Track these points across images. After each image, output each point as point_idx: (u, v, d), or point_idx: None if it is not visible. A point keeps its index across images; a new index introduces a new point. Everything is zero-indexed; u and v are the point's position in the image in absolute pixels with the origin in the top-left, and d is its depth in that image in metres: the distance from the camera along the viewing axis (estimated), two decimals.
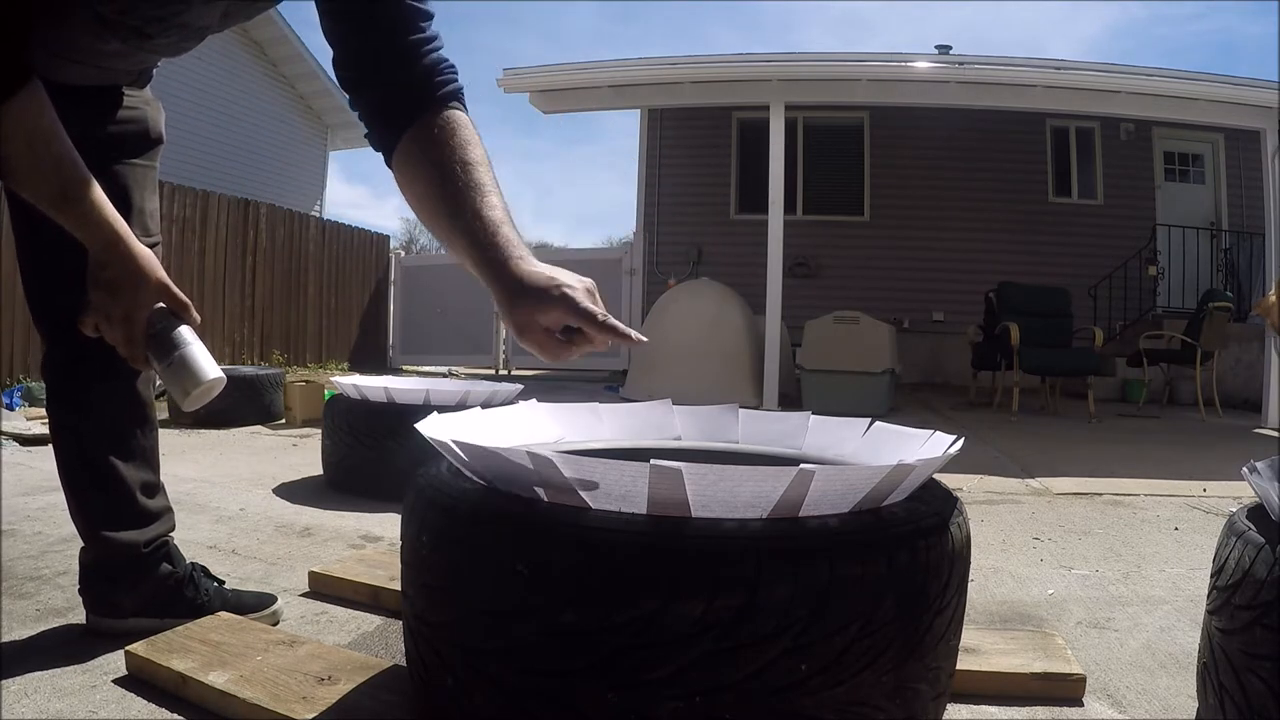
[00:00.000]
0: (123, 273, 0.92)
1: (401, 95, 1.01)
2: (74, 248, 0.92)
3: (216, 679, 1.09)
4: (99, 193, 0.91)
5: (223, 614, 1.33)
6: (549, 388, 6.94)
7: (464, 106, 1.05)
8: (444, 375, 7.46)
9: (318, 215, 10.54)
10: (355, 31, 1.01)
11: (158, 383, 1.30)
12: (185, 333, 0.95)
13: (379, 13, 1.00)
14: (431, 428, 1.00)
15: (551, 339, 0.88)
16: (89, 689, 1.15)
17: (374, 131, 1.04)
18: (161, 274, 0.95)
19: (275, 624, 1.43)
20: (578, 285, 0.88)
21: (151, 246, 1.18)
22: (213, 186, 7.92)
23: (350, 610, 1.54)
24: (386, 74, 1.01)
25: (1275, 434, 5.35)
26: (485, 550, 0.81)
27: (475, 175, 0.96)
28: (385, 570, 1.61)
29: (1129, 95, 6.27)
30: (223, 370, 0.98)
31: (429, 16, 1.04)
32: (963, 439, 1.06)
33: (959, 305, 8.78)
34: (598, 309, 0.86)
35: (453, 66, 1.05)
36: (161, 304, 0.95)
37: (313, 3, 1.02)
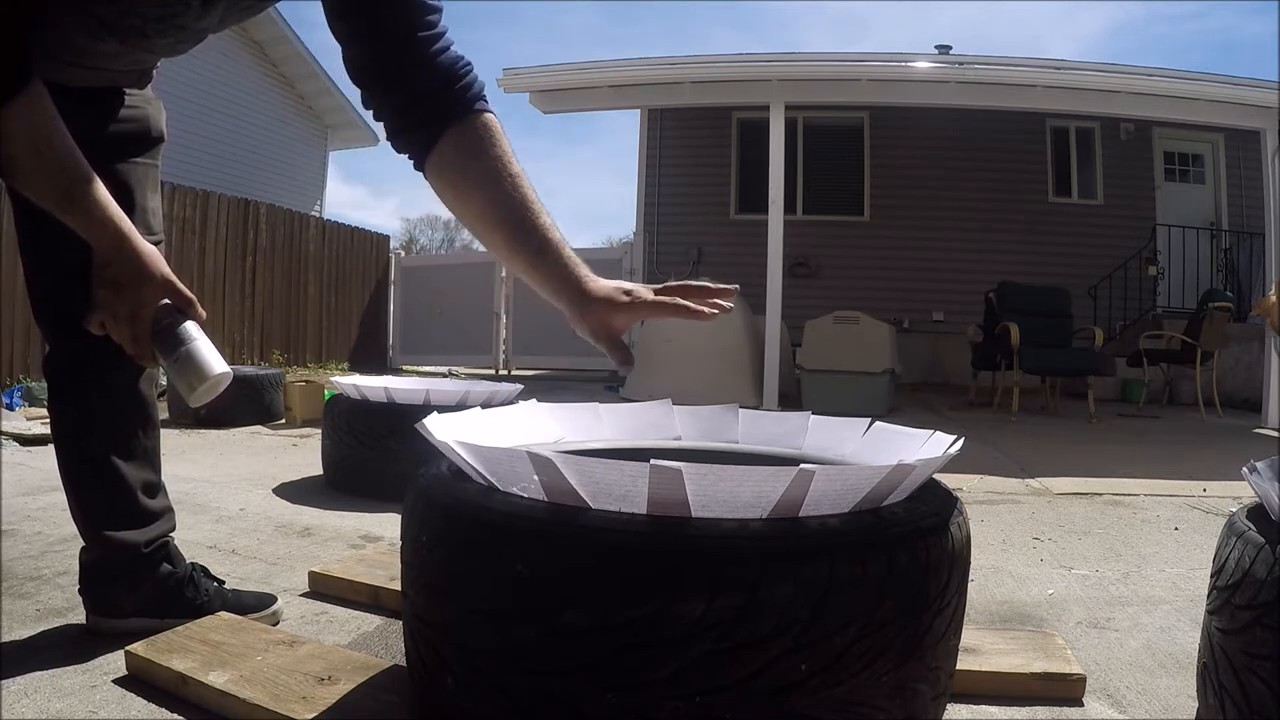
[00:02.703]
0: (127, 270, 0.92)
1: (429, 100, 1.02)
2: (77, 246, 0.92)
3: (216, 679, 1.09)
4: (103, 191, 0.91)
5: (223, 614, 1.33)
6: (549, 388, 6.94)
7: (489, 105, 1.06)
8: (444, 375, 7.46)
9: (318, 215, 10.54)
10: (362, 28, 1.01)
11: (162, 380, 1.30)
12: (191, 328, 0.95)
13: (384, 8, 1.00)
14: (432, 428, 1.00)
15: (620, 344, 1.01)
16: (89, 689, 1.15)
17: (402, 136, 1.05)
18: (166, 271, 0.95)
19: (275, 624, 1.43)
20: (641, 289, 1.00)
21: (154, 245, 1.19)
22: (213, 186, 7.92)
23: (350, 610, 1.54)
24: (404, 75, 1.01)
25: (1275, 434, 5.35)
26: (485, 550, 0.81)
27: (526, 191, 1.02)
28: (385, 570, 1.61)
29: (1129, 95, 6.27)
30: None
31: (437, 10, 1.03)
32: (963, 439, 1.06)
33: (959, 305, 8.78)
34: (654, 296, 0.99)
35: (469, 63, 1.06)
36: (167, 300, 0.95)
37: (312, 1, 1.02)
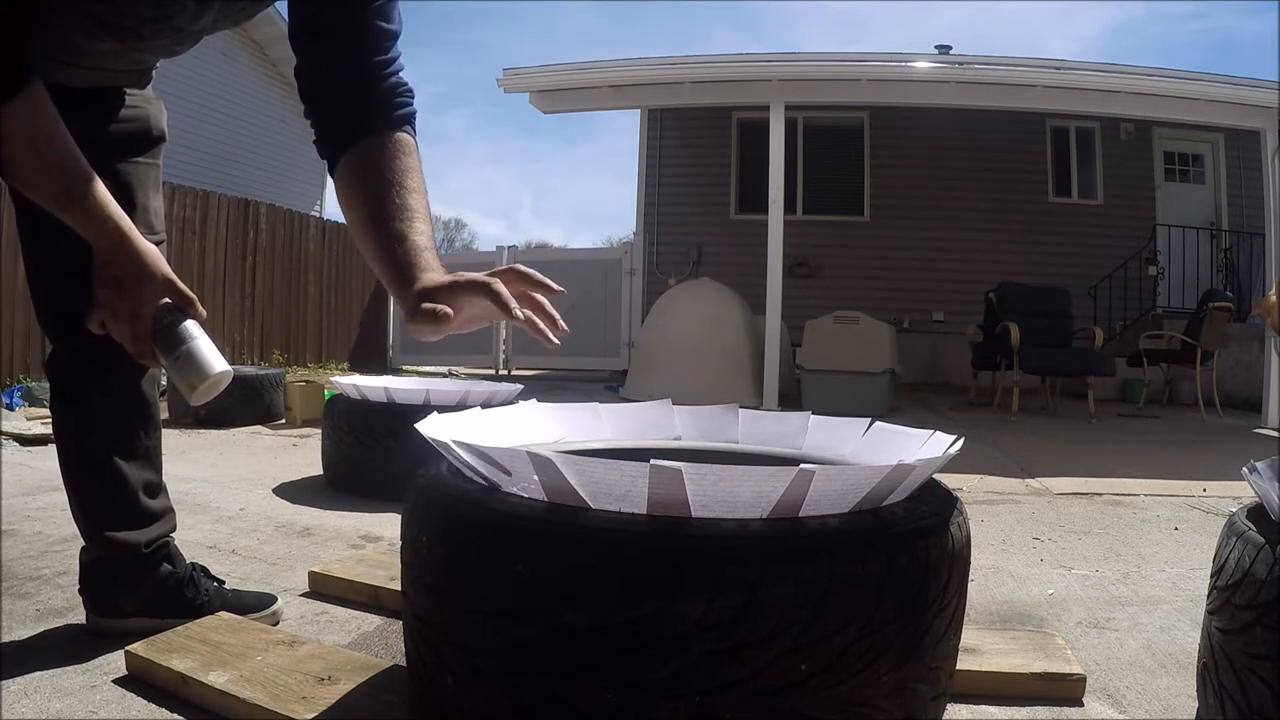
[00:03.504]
0: (128, 269, 0.92)
1: (355, 113, 1.04)
2: (77, 245, 0.93)
3: (216, 679, 1.09)
4: (103, 190, 0.91)
5: (223, 614, 1.33)
6: (549, 388, 6.94)
7: (414, 131, 1.08)
8: (444, 375, 7.46)
9: (318, 215, 10.53)
10: (324, 49, 1.04)
11: (163, 381, 1.30)
12: (191, 327, 0.95)
13: (350, 32, 1.03)
14: (431, 428, 1.00)
15: (432, 315, 0.88)
16: (89, 689, 1.15)
17: (322, 141, 1.07)
18: (166, 269, 0.95)
19: (275, 624, 1.43)
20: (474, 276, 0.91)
21: (156, 245, 1.19)
22: (213, 186, 7.92)
23: (350, 610, 1.54)
24: (345, 92, 1.04)
25: (1275, 434, 5.35)
26: (485, 550, 0.81)
27: (409, 200, 1.00)
28: (385, 570, 1.61)
29: (1129, 95, 6.27)
30: None
31: (395, 36, 1.06)
32: (963, 439, 1.06)
33: (959, 305, 8.78)
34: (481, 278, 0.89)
35: (410, 90, 1.08)
36: (167, 299, 0.95)
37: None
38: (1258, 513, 1.00)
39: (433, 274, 0.94)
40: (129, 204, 1.22)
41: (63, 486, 1.30)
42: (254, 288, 8.03)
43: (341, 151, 1.04)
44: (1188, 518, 2.60)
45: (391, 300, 9.98)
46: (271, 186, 10.94)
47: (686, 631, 0.73)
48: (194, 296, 0.97)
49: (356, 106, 1.04)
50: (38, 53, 0.88)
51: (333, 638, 1.40)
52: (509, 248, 9.67)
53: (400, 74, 1.07)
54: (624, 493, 0.80)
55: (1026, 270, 8.36)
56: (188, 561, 1.40)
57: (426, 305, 0.87)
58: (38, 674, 1.18)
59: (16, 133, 0.84)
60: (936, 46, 9.25)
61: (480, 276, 0.90)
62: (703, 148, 9.88)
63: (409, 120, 1.07)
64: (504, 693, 0.80)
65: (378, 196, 1.00)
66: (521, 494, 0.87)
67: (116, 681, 1.17)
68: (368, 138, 1.03)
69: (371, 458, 2.63)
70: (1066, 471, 3.44)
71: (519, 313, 0.87)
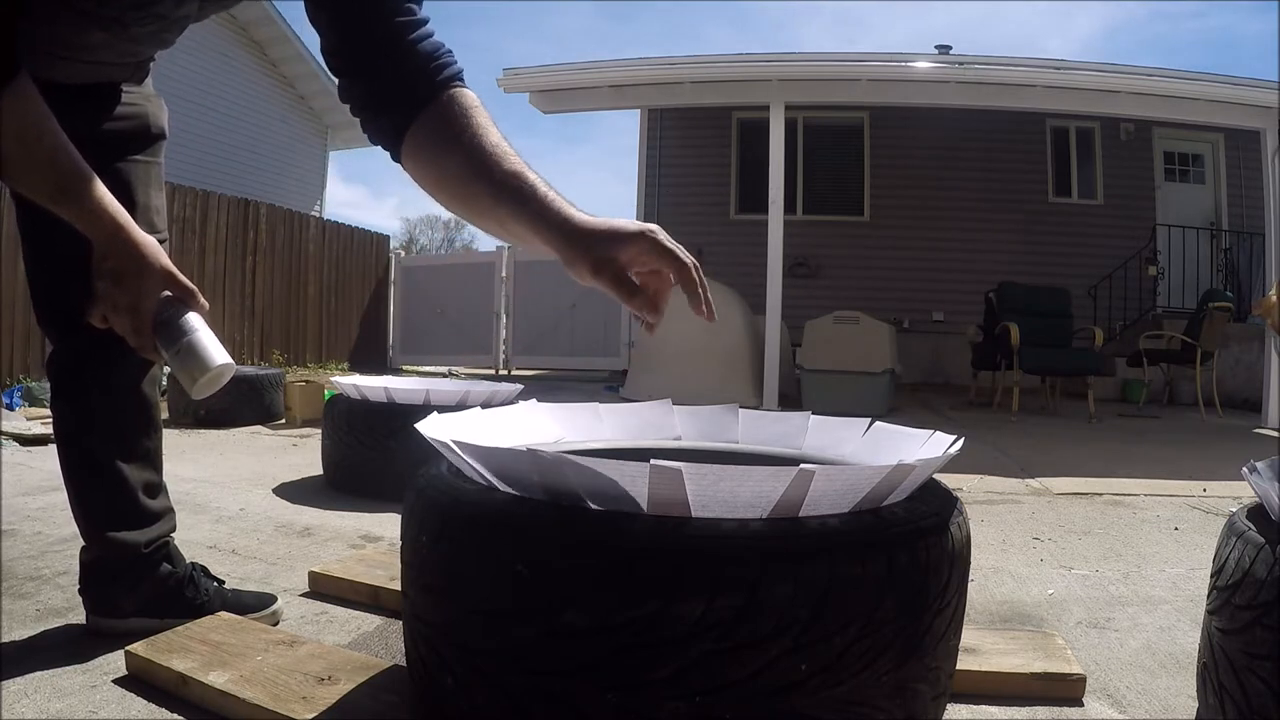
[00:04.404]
0: (126, 261, 0.91)
1: (402, 86, 0.97)
2: (76, 241, 0.92)
3: (216, 679, 1.09)
4: (98, 185, 0.91)
5: (223, 614, 1.33)
6: (549, 388, 6.94)
7: (466, 85, 1.01)
8: (444, 375, 7.46)
9: (318, 215, 10.54)
10: (341, 14, 0.98)
11: (163, 381, 1.30)
12: (192, 319, 0.95)
13: None
14: (431, 428, 1.00)
15: (627, 278, 0.86)
16: (89, 689, 1.15)
17: (375, 125, 1.00)
18: (166, 261, 0.95)
19: (275, 624, 1.43)
20: (656, 228, 0.88)
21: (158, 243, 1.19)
22: (213, 186, 7.93)
23: (350, 610, 1.54)
24: (381, 62, 0.97)
25: (1275, 434, 5.35)
26: (485, 550, 0.81)
27: (501, 145, 0.94)
28: (385, 570, 1.61)
29: (1129, 95, 6.27)
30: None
31: None
32: (963, 439, 1.06)
33: (959, 305, 8.78)
34: (679, 250, 0.86)
35: (450, 51, 1.01)
36: (168, 292, 0.95)
37: None
38: (1258, 513, 1.00)
39: (591, 219, 0.87)
40: (129, 202, 1.21)
41: (63, 486, 1.30)
42: (254, 288, 8.04)
43: (403, 129, 0.97)
44: (1188, 518, 2.60)
45: (391, 300, 10.07)
46: (271, 186, 10.94)
47: (686, 631, 0.73)
48: (195, 288, 0.96)
49: (400, 78, 0.97)
50: (27, 47, 0.88)
51: (333, 638, 1.40)
52: (509, 248, 9.67)
53: (435, 37, 1.01)
54: (624, 493, 0.80)
55: (1026, 270, 8.37)
56: (188, 561, 1.40)
57: (627, 287, 0.85)
58: (38, 674, 1.18)
59: (5, 127, 0.83)
60: (936, 46, 9.25)
61: (641, 227, 0.87)
62: (703, 148, 9.89)
63: (459, 78, 1.00)
64: (504, 693, 0.80)
65: (468, 150, 0.93)
66: (522, 494, 0.87)
67: (116, 681, 1.17)
68: (426, 106, 0.96)
69: (371, 458, 2.63)
70: (1066, 471, 3.44)
71: (686, 258, 0.86)
